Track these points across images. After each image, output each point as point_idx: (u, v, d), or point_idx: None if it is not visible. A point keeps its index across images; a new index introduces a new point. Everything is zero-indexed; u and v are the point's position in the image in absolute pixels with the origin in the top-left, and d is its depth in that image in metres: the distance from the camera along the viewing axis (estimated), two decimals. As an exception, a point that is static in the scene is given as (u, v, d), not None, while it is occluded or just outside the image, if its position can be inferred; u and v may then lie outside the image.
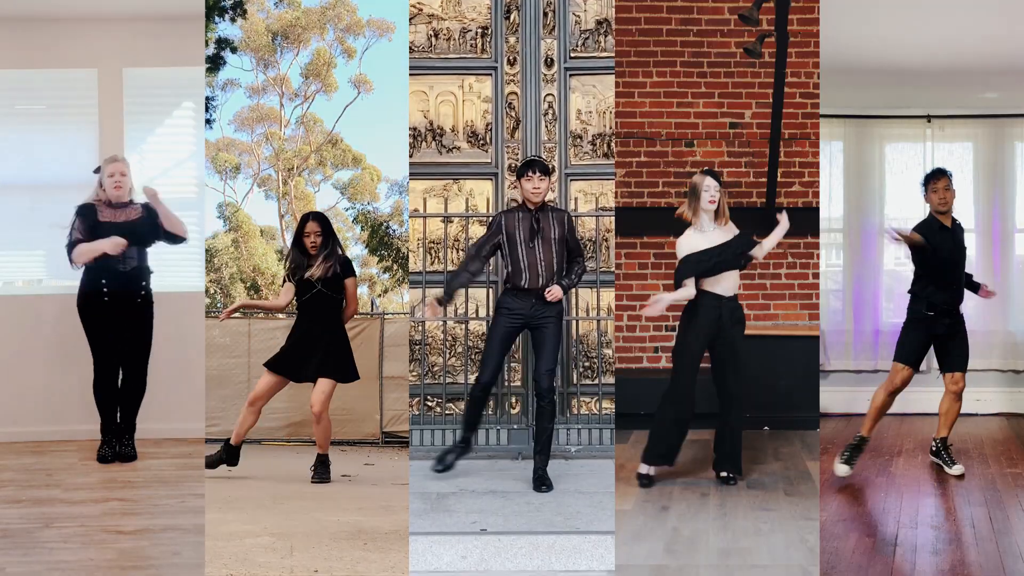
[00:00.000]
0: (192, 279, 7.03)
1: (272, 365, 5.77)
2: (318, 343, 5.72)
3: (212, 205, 23.39)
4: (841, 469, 5.37)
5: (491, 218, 5.26)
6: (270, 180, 24.47)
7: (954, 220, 5.49)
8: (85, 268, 5.72)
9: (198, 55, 7.01)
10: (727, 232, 5.02)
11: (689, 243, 4.98)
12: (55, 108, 6.94)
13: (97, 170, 5.89)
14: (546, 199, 5.13)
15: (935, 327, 5.41)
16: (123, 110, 6.89)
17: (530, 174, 5.04)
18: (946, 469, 5.51)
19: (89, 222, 5.69)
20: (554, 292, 5.00)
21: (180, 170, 7.08)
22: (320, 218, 5.89)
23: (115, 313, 5.74)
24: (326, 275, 5.71)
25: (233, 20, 9.50)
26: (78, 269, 5.73)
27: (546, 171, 5.07)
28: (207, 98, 12.28)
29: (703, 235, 4.98)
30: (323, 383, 5.69)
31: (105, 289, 5.70)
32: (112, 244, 5.60)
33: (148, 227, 5.80)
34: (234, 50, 10.53)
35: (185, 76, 6.94)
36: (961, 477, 5.41)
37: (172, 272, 6.91)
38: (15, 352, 6.72)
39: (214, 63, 9.68)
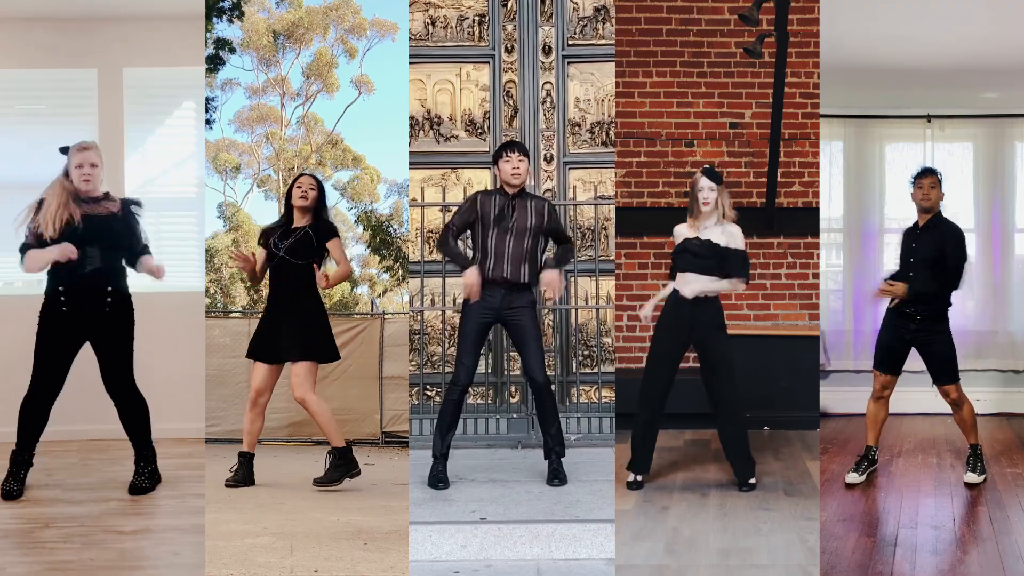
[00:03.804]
0: (192, 279, 7.04)
1: (251, 351, 5.37)
2: (285, 319, 5.27)
3: (212, 205, 23.42)
4: (851, 476, 5.30)
5: (467, 197, 5.04)
6: (270, 180, 24.49)
7: (934, 220, 5.23)
8: (47, 272, 4.97)
9: (198, 55, 7.02)
10: (723, 233, 4.83)
11: (677, 232, 4.93)
12: (55, 108, 6.94)
13: (65, 150, 5.05)
14: (526, 185, 4.94)
15: (904, 331, 5.20)
16: (123, 110, 6.89)
17: (508, 154, 4.81)
18: (964, 476, 5.32)
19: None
20: (548, 280, 4.81)
21: (180, 170, 7.08)
22: (315, 177, 5.48)
23: (76, 324, 4.95)
24: (295, 238, 5.29)
25: (231, 21, 9.50)
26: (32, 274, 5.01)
27: (525, 152, 4.85)
28: (207, 98, 12.27)
29: (695, 230, 4.87)
30: (296, 366, 5.24)
31: (63, 298, 4.92)
32: (61, 250, 4.77)
33: (122, 229, 5.01)
34: (232, 51, 10.52)
35: (185, 76, 6.95)
36: (973, 487, 5.21)
37: (172, 272, 6.91)
38: (15, 352, 6.71)
39: (213, 63, 9.68)
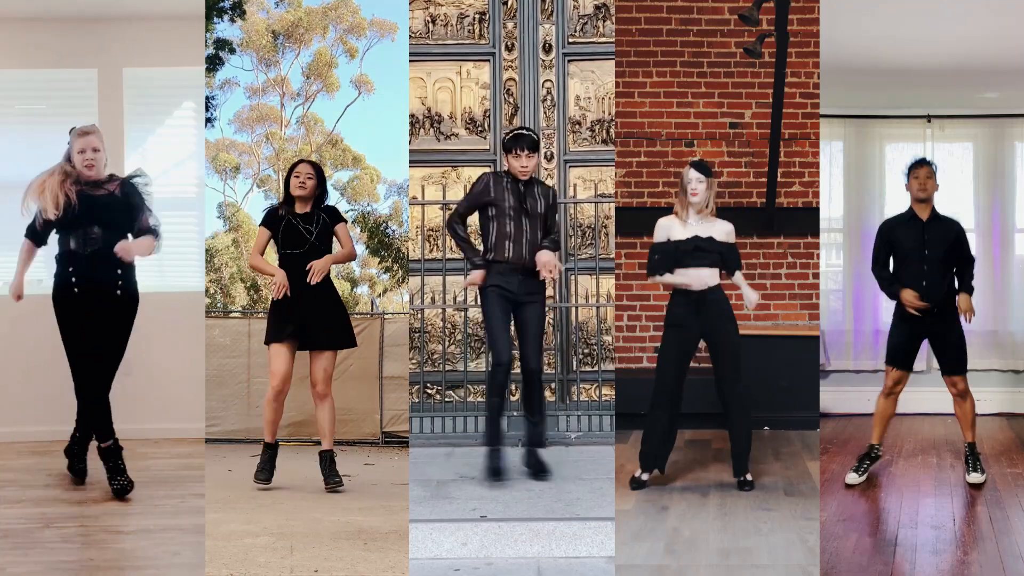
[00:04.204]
0: (192, 279, 7.04)
1: (277, 335, 5.25)
2: (312, 307, 5.25)
3: (212, 205, 23.41)
4: (850, 477, 5.32)
5: (477, 179, 5.05)
6: (270, 180, 24.48)
7: (935, 214, 5.30)
8: (55, 257, 5.02)
9: (198, 55, 7.02)
10: (711, 226, 4.91)
11: (666, 225, 4.94)
12: (55, 108, 6.94)
13: (71, 131, 5.09)
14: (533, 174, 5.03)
15: (918, 326, 5.23)
16: (123, 110, 6.89)
17: (517, 151, 4.90)
18: (965, 475, 5.34)
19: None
20: (545, 260, 4.87)
21: (180, 170, 7.08)
22: (313, 163, 5.50)
23: (89, 309, 4.90)
24: (317, 226, 5.29)
25: (232, 21, 9.51)
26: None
27: (535, 147, 4.93)
28: (207, 98, 12.27)
29: (681, 225, 4.90)
30: (326, 356, 5.31)
31: (73, 279, 4.90)
32: (11, 287, 5.04)
33: (120, 207, 4.96)
34: (232, 51, 10.53)
35: (185, 76, 6.95)
36: (978, 487, 5.22)
37: (172, 272, 6.92)
38: (15, 352, 6.72)
39: (213, 63, 9.68)
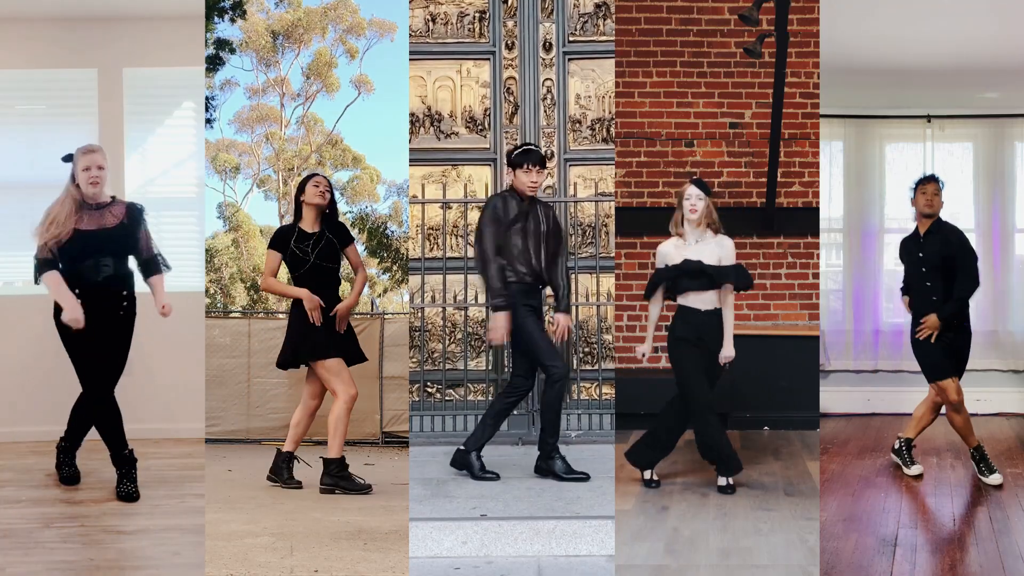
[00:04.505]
0: (192, 279, 7.03)
1: (327, 352, 5.21)
2: (330, 324, 5.23)
3: (212, 205, 23.41)
4: (995, 478, 5.24)
5: (488, 204, 5.03)
6: (270, 180, 24.49)
7: (934, 227, 5.29)
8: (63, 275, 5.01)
9: (198, 55, 7.01)
10: (704, 247, 4.85)
11: (663, 252, 4.92)
12: (55, 108, 6.94)
13: (68, 158, 5.05)
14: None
15: (936, 338, 5.20)
16: (123, 110, 6.89)
17: (528, 167, 4.91)
18: (904, 469, 5.49)
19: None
20: (563, 326, 5.03)
21: (180, 170, 7.08)
22: (326, 177, 5.49)
23: (92, 329, 4.91)
24: (320, 245, 5.25)
25: (233, 21, 9.50)
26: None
27: (543, 163, 4.97)
28: (207, 98, 12.28)
29: (683, 245, 4.87)
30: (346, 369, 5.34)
31: (81, 300, 4.91)
32: (72, 313, 4.84)
33: (126, 236, 5.04)
34: (232, 51, 10.52)
35: (185, 76, 6.94)
36: (919, 478, 5.39)
37: (172, 272, 6.91)
38: (15, 352, 6.71)
39: (213, 63, 9.68)
